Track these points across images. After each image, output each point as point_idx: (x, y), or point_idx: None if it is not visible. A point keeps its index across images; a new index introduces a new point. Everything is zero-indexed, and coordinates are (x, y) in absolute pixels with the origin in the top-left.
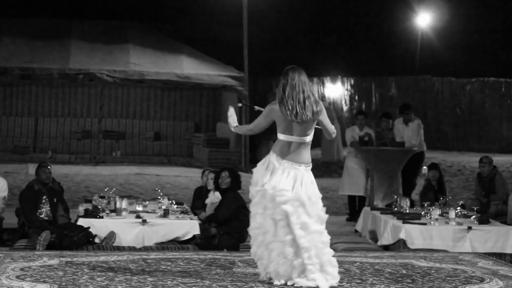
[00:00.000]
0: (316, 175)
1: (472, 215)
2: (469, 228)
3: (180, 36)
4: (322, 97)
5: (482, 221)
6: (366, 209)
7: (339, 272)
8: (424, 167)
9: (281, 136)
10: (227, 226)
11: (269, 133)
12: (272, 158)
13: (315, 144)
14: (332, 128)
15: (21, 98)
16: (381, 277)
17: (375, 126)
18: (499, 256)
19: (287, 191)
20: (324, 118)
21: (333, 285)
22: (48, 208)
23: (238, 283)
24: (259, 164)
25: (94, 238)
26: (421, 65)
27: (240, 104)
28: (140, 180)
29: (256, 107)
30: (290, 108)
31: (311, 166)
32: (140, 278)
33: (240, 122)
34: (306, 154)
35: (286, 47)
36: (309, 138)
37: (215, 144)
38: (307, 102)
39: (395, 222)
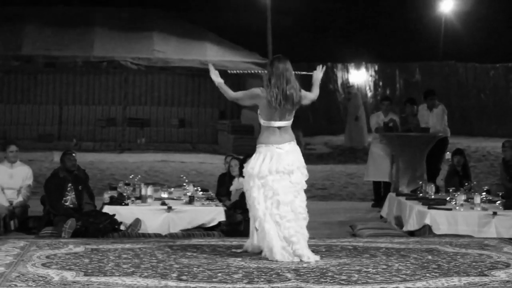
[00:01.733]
0: (341, 161)
1: (497, 201)
2: (494, 213)
3: (204, 23)
4: (347, 84)
5: (507, 206)
6: (391, 195)
7: (365, 258)
8: (448, 153)
9: (264, 123)
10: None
11: (294, 120)
12: (261, 149)
13: (340, 130)
14: (312, 97)
15: (45, 86)
16: (406, 263)
17: (399, 112)
18: None
19: (267, 172)
20: (306, 100)
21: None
22: (74, 195)
23: (264, 270)
24: (251, 158)
25: (120, 226)
26: (445, 51)
27: (229, 72)
28: (165, 167)
29: (245, 71)
30: (275, 96)
31: (294, 141)
32: (166, 265)
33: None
34: (288, 134)
35: (310, 33)
36: (289, 123)
37: (240, 131)
38: (288, 92)
39: (420, 207)
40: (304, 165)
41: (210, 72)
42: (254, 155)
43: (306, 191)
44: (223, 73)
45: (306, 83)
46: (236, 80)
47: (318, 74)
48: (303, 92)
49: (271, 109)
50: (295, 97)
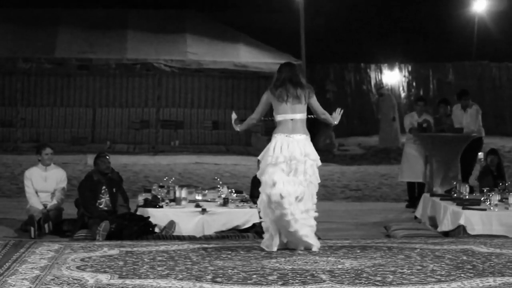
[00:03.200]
0: (374, 162)
1: None
2: None
3: (237, 24)
4: (380, 84)
5: None
6: (425, 195)
7: (400, 259)
8: (480, 153)
9: (277, 117)
10: None
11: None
12: (273, 138)
13: (374, 131)
14: (320, 110)
15: (78, 89)
16: (441, 264)
17: (433, 112)
18: None
19: (281, 156)
20: (313, 101)
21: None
22: (108, 198)
23: (299, 271)
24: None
25: (154, 228)
26: (478, 51)
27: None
28: (198, 169)
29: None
30: (278, 94)
31: (307, 135)
32: (200, 267)
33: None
34: (301, 127)
35: (343, 34)
36: (302, 116)
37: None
38: (298, 89)
39: (454, 208)
40: (315, 157)
41: (232, 123)
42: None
43: (339, 192)
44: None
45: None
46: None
47: (336, 117)
48: (312, 90)
49: (281, 104)
50: (303, 93)
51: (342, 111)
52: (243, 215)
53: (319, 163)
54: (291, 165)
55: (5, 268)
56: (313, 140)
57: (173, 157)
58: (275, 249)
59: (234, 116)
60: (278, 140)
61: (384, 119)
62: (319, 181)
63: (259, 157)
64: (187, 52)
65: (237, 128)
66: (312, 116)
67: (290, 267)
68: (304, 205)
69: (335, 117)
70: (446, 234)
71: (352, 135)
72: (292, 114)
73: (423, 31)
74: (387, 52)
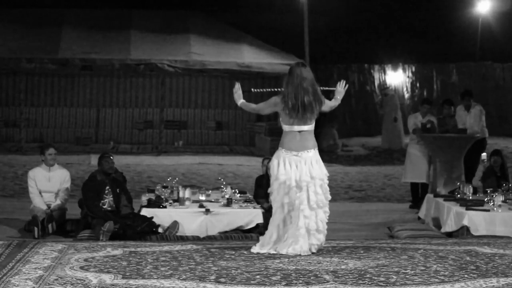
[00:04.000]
0: (378, 163)
1: None
2: None
3: (240, 24)
4: (384, 85)
5: None
6: (429, 196)
7: (404, 259)
8: (483, 154)
9: (285, 128)
10: None
11: (331, 120)
12: (281, 153)
13: (377, 132)
14: (331, 105)
15: (82, 89)
16: (445, 264)
17: (437, 113)
18: None
19: (292, 179)
20: (325, 107)
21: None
22: (111, 198)
23: (302, 271)
24: (273, 159)
25: (158, 228)
26: (482, 51)
27: (253, 90)
28: (202, 170)
29: (266, 89)
30: (291, 107)
31: (315, 148)
32: (204, 267)
33: None
34: (311, 140)
35: (346, 34)
36: (310, 127)
37: (277, 133)
38: (307, 101)
39: (458, 209)
40: (323, 176)
41: (234, 93)
42: (274, 158)
43: (343, 193)
44: (247, 91)
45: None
46: (274, 82)
47: (340, 89)
48: (323, 100)
49: (288, 115)
50: (314, 106)
51: (345, 83)
52: (247, 216)
53: (327, 181)
54: (302, 186)
55: (9, 268)
56: (317, 140)
57: (177, 157)
58: (266, 250)
59: (238, 86)
60: (287, 159)
61: (387, 119)
62: (329, 198)
63: (270, 174)
64: (190, 52)
65: (239, 101)
66: (332, 88)
67: (294, 267)
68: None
69: (339, 91)
70: (449, 234)
71: (355, 135)
72: (300, 126)
73: (426, 32)
74: (391, 52)
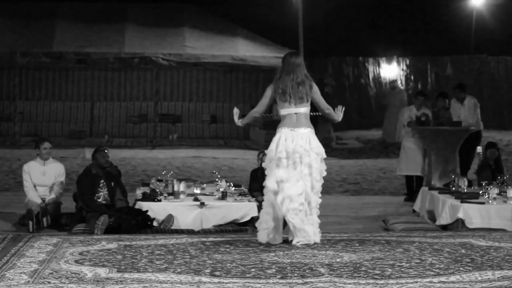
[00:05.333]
0: (373, 156)
1: None
2: None
3: (235, 18)
4: (392, 80)
5: None
6: (424, 189)
7: (399, 252)
8: (479, 147)
9: (282, 111)
10: None
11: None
12: (277, 132)
13: (372, 125)
14: (324, 105)
15: (76, 83)
16: (440, 257)
17: (431, 106)
18: None
19: (283, 151)
20: (317, 96)
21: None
22: (106, 192)
23: (297, 265)
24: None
25: (152, 222)
26: (477, 44)
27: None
28: (197, 163)
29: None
30: (281, 91)
31: (311, 129)
32: (199, 260)
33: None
34: (305, 121)
35: (341, 28)
36: (306, 110)
37: (272, 126)
38: (300, 80)
39: (453, 201)
40: (320, 150)
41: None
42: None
43: (338, 186)
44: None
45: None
46: (268, 75)
47: (338, 114)
48: (315, 87)
49: (285, 97)
50: (307, 88)
51: (343, 108)
52: (242, 209)
53: (324, 155)
54: (294, 158)
55: (4, 262)
56: None
57: (171, 151)
58: (279, 241)
59: (236, 111)
60: (283, 133)
61: (391, 112)
62: (325, 174)
63: (266, 151)
64: (185, 46)
65: (239, 123)
66: (316, 113)
67: (289, 260)
68: (306, 198)
69: (338, 115)
70: (444, 227)
71: (350, 129)
72: (296, 108)
73: (421, 25)
74: (385, 45)
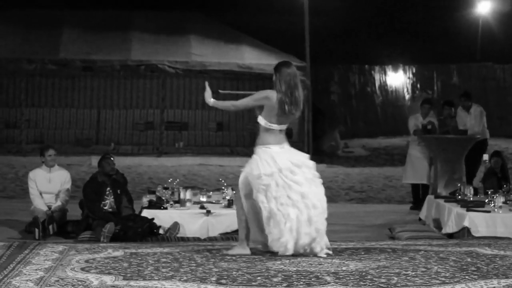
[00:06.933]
0: (379, 164)
1: None
2: None
3: (241, 25)
4: (427, 89)
5: None
6: (429, 197)
7: (405, 261)
8: (485, 155)
9: (266, 124)
10: None
11: (333, 123)
12: (259, 152)
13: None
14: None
15: (83, 90)
16: (446, 265)
17: (437, 114)
18: None
19: (266, 175)
20: None
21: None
22: (112, 199)
23: (303, 273)
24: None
25: (158, 229)
26: (483, 52)
27: (220, 91)
28: (203, 171)
29: (237, 92)
30: (288, 102)
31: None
32: (205, 268)
33: (302, 111)
34: (285, 137)
35: (347, 36)
36: (286, 127)
37: None
38: (299, 99)
39: (459, 210)
40: (310, 163)
41: (205, 92)
42: (254, 157)
43: (344, 194)
44: (214, 91)
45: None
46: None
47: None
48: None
49: (278, 113)
50: (301, 104)
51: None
52: None
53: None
54: (287, 175)
55: (10, 269)
56: (318, 142)
57: (178, 158)
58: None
59: (208, 88)
60: (274, 151)
61: None
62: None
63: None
64: (191, 53)
65: (210, 101)
66: (235, 92)
67: (295, 268)
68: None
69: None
70: (450, 236)
71: (356, 136)
72: (282, 125)
73: (427, 33)
74: (391, 53)
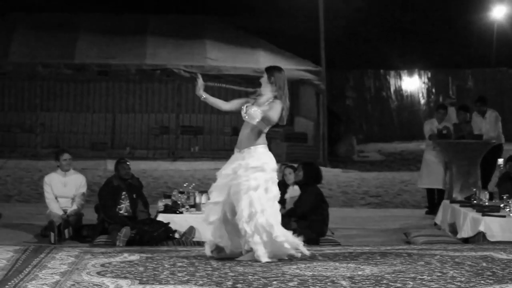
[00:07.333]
0: (394, 168)
1: None
2: None
3: (256, 30)
4: (451, 95)
5: None
6: (445, 202)
7: (420, 265)
8: (500, 159)
9: (266, 129)
10: (307, 220)
11: (349, 127)
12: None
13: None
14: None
15: (98, 95)
16: (461, 270)
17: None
18: None
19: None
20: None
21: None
22: (128, 203)
23: (319, 277)
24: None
25: (174, 234)
26: (498, 57)
27: (213, 84)
28: None
29: (224, 85)
30: (285, 113)
31: None
32: (221, 273)
33: (318, 116)
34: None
35: (362, 40)
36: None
37: (293, 139)
38: (288, 103)
39: (474, 214)
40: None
41: (197, 86)
42: (267, 152)
43: (359, 198)
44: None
45: None
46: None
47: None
48: None
49: (281, 118)
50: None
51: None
52: None
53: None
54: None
55: (25, 273)
56: (334, 146)
57: (193, 163)
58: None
59: (201, 82)
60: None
61: None
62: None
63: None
64: (206, 58)
65: (203, 95)
66: (221, 84)
67: (311, 273)
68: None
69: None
70: (465, 240)
71: (371, 141)
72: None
73: (442, 38)
74: (407, 58)
